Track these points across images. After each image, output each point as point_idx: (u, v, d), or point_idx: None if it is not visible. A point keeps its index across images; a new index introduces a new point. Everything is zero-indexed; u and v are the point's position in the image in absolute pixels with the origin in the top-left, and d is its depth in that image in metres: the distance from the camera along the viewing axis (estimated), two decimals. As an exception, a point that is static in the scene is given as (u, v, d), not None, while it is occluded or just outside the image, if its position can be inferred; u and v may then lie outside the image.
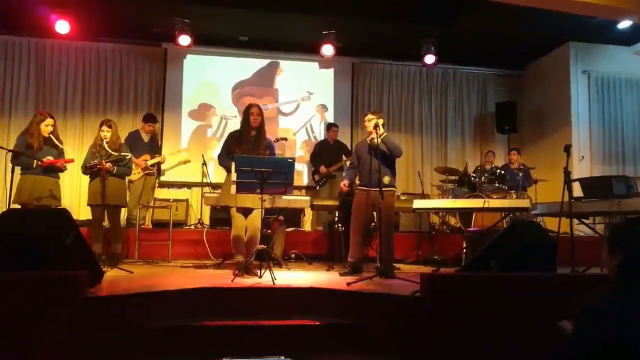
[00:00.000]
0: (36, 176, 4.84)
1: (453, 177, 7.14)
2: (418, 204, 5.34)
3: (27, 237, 2.91)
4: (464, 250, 5.63)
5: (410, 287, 3.22)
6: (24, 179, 4.81)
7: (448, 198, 6.74)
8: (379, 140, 4.50)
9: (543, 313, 2.85)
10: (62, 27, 6.59)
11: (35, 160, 4.78)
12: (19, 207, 4.73)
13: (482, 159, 7.75)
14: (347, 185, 4.75)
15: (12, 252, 2.86)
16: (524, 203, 5.25)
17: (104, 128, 5.08)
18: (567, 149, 4.48)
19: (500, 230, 4.24)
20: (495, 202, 5.27)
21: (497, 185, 6.40)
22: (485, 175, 6.52)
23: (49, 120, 4.94)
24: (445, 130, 8.63)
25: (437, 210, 5.81)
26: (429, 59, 7.48)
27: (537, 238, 3.37)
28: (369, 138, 4.68)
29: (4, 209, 6.03)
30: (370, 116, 4.67)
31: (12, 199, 4.67)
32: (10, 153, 4.82)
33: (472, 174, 6.67)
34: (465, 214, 5.90)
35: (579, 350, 1.44)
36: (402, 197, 7.21)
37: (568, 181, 4.30)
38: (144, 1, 6.63)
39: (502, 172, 6.58)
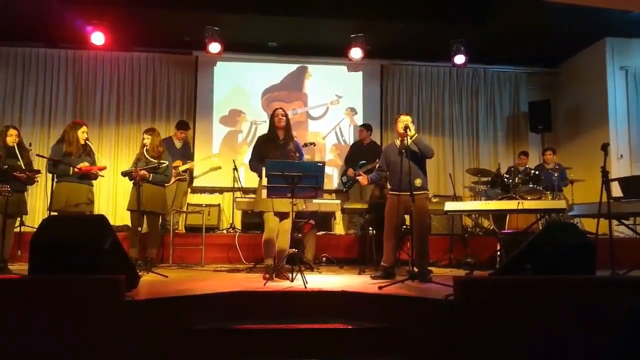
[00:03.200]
0: (72, 183, 5.00)
1: (485, 179, 7.01)
2: (450, 206, 5.27)
3: (67, 244, 3.01)
4: (498, 253, 5.52)
5: (444, 291, 3.18)
6: (60, 187, 4.97)
7: (480, 200, 6.63)
8: (410, 140, 4.47)
9: (582, 317, 2.78)
10: (98, 38, 6.81)
11: (72, 168, 4.94)
12: (56, 214, 4.90)
13: (515, 159, 7.59)
14: (366, 179, 4.72)
15: (53, 258, 2.97)
16: (560, 204, 5.12)
17: (145, 136, 5.27)
18: (605, 147, 4.35)
19: (535, 232, 4.15)
20: (530, 204, 5.16)
21: (531, 186, 6.24)
22: (519, 176, 6.38)
23: (84, 128, 5.12)
24: (477, 131, 8.50)
25: (469, 213, 5.72)
26: (459, 59, 7.38)
27: (575, 240, 3.29)
28: (398, 140, 4.65)
29: (44, 216, 6.28)
30: (403, 117, 4.63)
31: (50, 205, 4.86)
32: (48, 161, 4.99)
33: (505, 175, 6.54)
34: (498, 216, 5.79)
35: (628, 349, 1.40)
36: (434, 200, 7.13)
37: (606, 181, 4.17)
38: (175, 11, 6.76)
39: (537, 172, 6.42)
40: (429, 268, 4.60)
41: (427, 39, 7.54)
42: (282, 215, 4.48)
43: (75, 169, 4.94)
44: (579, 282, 2.95)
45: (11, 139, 4.84)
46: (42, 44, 7.73)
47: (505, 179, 6.42)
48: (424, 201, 4.55)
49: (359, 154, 7.28)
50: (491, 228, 6.10)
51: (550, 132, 8.21)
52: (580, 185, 6.88)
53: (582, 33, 7.39)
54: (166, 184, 5.60)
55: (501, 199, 5.86)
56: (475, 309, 2.83)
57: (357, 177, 4.78)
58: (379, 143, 7.93)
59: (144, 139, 5.29)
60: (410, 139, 4.48)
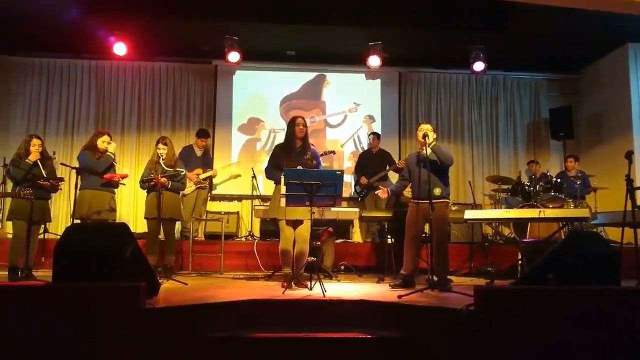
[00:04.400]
0: (94, 191, 5.11)
1: (506, 186, 6.92)
2: (470, 214, 5.22)
3: (89, 251, 3.06)
4: (519, 262, 5.44)
5: (464, 300, 3.14)
6: (83, 194, 5.07)
7: (501, 208, 6.55)
8: (429, 149, 4.45)
9: (606, 329, 2.72)
10: (120, 49, 6.95)
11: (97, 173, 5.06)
12: (79, 221, 4.99)
13: (534, 166, 7.49)
14: (385, 193, 4.71)
15: (76, 265, 3.02)
16: (583, 212, 5.02)
17: (160, 145, 5.33)
18: (629, 155, 4.27)
19: (558, 241, 4.08)
20: (551, 212, 5.07)
21: (553, 194, 6.15)
22: (540, 183, 6.29)
23: (105, 137, 5.23)
24: (497, 138, 8.42)
25: (489, 221, 5.65)
26: (478, 66, 7.33)
27: (599, 249, 3.22)
28: (419, 149, 4.63)
29: (67, 223, 6.39)
30: (422, 126, 4.61)
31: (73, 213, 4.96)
32: (75, 169, 5.10)
33: (526, 183, 6.45)
34: (519, 224, 5.71)
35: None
36: (453, 208, 7.05)
37: (631, 189, 4.09)
38: (195, 21, 6.87)
39: (559, 180, 6.32)
40: (448, 277, 4.55)
41: (445, 46, 7.51)
42: (294, 223, 4.49)
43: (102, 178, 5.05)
44: (603, 293, 2.89)
45: (34, 148, 4.94)
46: (66, 54, 7.92)
47: (526, 187, 6.33)
48: (443, 209, 4.52)
49: (369, 162, 7.28)
50: (512, 236, 6.01)
51: (571, 139, 8.08)
52: (604, 193, 6.74)
53: (603, 39, 7.28)
54: (182, 192, 5.67)
55: (522, 207, 5.78)
56: (496, 319, 2.79)
57: (376, 192, 4.78)
58: (397, 150, 7.91)
59: (158, 148, 5.35)
60: (429, 146, 4.46)
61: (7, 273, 4.83)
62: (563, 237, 5.12)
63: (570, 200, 6.18)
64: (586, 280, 2.96)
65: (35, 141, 4.97)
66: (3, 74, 7.88)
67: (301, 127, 4.60)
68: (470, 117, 8.43)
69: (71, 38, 7.24)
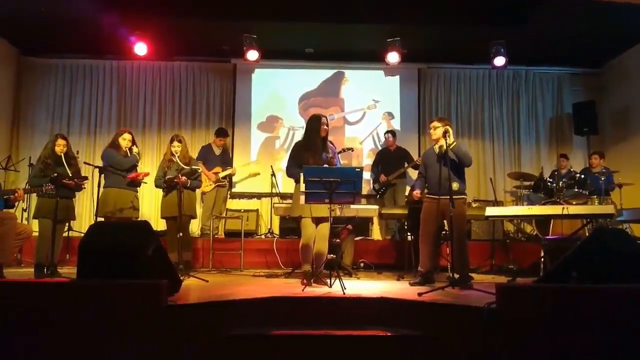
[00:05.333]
0: (118, 189, 5.20)
1: (528, 183, 6.84)
2: (491, 211, 5.16)
3: (113, 249, 3.11)
4: (542, 260, 5.36)
5: (485, 298, 3.10)
6: (108, 192, 5.16)
7: (523, 205, 6.46)
8: (449, 148, 4.40)
9: (633, 328, 2.66)
10: (141, 49, 7.04)
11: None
12: (102, 219, 5.08)
13: (558, 162, 7.37)
14: (418, 194, 4.70)
15: (100, 263, 3.07)
16: (608, 209, 4.91)
17: (175, 143, 5.39)
18: (656, 150, 4.16)
19: (582, 238, 4.01)
20: (575, 209, 4.98)
21: (576, 190, 6.05)
22: (563, 179, 6.18)
23: (126, 135, 5.31)
24: (518, 134, 8.29)
25: (511, 218, 5.58)
26: (499, 61, 7.22)
27: (624, 246, 3.14)
28: (437, 146, 4.59)
29: (91, 221, 6.50)
30: (436, 123, 4.58)
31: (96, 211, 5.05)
32: (98, 168, 5.20)
33: (548, 179, 6.35)
34: (542, 221, 5.63)
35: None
36: (474, 205, 7.00)
37: (658, 185, 3.99)
38: (214, 20, 6.91)
39: (582, 176, 6.21)
40: (469, 274, 4.50)
41: (465, 41, 7.43)
42: (318, 221, 4.49)
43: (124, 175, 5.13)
44: (629, 292, 2.83)
45: (59, 148, 5.03)
46: (89, 55, 8.05)
47: (549, 183, 6.25)
48: (462, 206, 4.48)
49: (388, 160, 7.25)
50: (534, 234, 5.93)
51: (595, 134, 7.91)
52: (629, 190, 6.59)
53: (628, 31, 7.10)
54: (203, 190, 5.73)
55: (544, 203, 5.71)
56: (518, 317, 2.76)
57: (412, 194, 4.75)
58: (416, 147, 7.86)
59: (173, 146, 5.40)
60: (450, 147, 4.41)
61: (33, 270, 4.95)
62: (587, 234, 5.04)
63: (595, 197, 6.07)
64: (611, 279, 2.90)
65: (60, 141, 5.06)
66: (28, 76, 8.05)
67: (325, 126, 4.60)
68: (491, 113, 8.32)
69: (94, 39, 7.36)
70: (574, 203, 5.59)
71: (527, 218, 5.73)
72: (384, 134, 7.59)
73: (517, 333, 2.74)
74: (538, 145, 8.28)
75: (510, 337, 2.75)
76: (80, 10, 6.41)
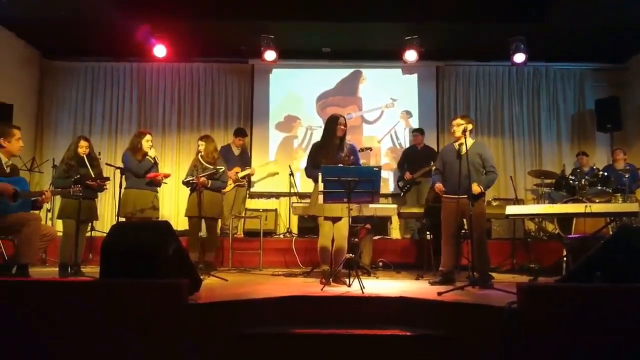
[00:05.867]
0: (138, 190, 5.26)
1: (549, 181, 6.73)
2: (511, 210, 5.09)
3: (134, 249, 3.16)
4: (564, 259, 5.28)
5: (506, 298, 3.07)
6: (128, 193, 5.24)
7: (544, 203, 6.37)
8: (464, 147, 4.36)
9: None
10: (160, 51, 7.12)
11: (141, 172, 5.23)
12: (124, 219, 5.15)
13: (578, 160, 7.25)
14: (442, 186, 4.63)
15: (122, 262, 3.13)
16: (632, 207, 4.81)
17: (200, 142, 5.48)
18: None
19: (605, 237, 3.93)
20: (598, 207, 4.89)
21: (600, 188, 5.93)
22: (586, 177, 6.07)
23: (148, 137, 5.38)
24: (539, 131, 8.17)
25: (532, 217, 5.50)
26: (519, 57, 7.13)
27: (650, 246, 3.08)
28: (457, 143, 4.55)
29: (112, 221, 6.61)
30: (459, 120, 4.54)
31: (118, 211, 5.13)
32: (119, 169, 5.29)
33: (570, 177, 6.24)
34: (564, 220, 5.53)
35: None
36: (494, 203, 6.92)
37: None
38: (231, 21, 6.95)
39: (606, 173, 6.09)
40: (490, 274, 4.46)
41: (484, 38, 7.34)
42: (336, 220, 4.49)
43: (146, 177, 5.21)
44: (655, 291, 2.77)
45: (82, 149, 5.12)
46: (110, 58, 8.18)
47: (571, 181, 6.13)
48: (481, 205, 4.44)
49: (414, 158, 7.20)
50: (556, 232, 5.84)
51: (619, 131, 7.75)
52: (655, 187, 6.45)
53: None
54: (223, 190, 5.77)
55: (566, 201, 5.61)
56: (540, 317, 2.72)
57: (436, 187, 4.69)
58: (435, 146, 7.80)
59: (199, 145, 5.49)
60: (469, 148, 4.37)
61: (57, 269, 5.05)
62: (611, 232, 4.95)
63: (619, 195, 5.94)
64: (636, 278, 2.84)
65: (83, 142, 5.15)
66: (51, 79, 8.21)
67: (342, 126, 4.59)
68: (510, 111, 8.21)
69: (114, 42, 7.47)
70: (597, 201, 5.48)
71: (549, 217, 5.63)
72: (412, 132, 7.55)
73: (538, 333, 2.70)
74: (559, 143, 8.15)
75: (531, 337, 2.71)
76: (101, 13, 6.51)
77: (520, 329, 2.74)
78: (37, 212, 4.40)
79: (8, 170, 4.15)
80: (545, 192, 6.81)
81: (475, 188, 4.30)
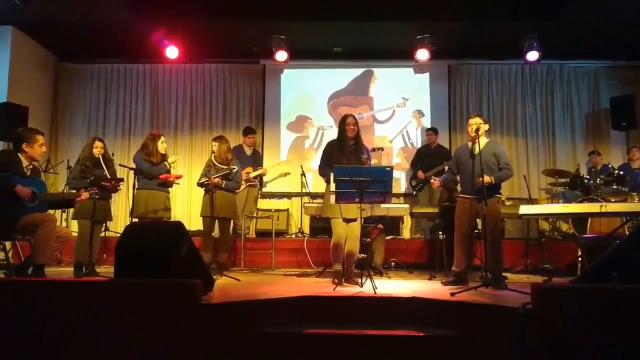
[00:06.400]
0: (150, 191, 5.29)
1: (563, 180, 6.66)
2: (525, 209, 5.05)
3: (148, 249, 3.19)
4: (579, 260, 5.22)
5: (520, 299, 3.05)
6: (140, 194, 5.27)
7: (558, 202, 6.30)
8: (478, 147, 4.32)
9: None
10: (172, 52, 7.17)
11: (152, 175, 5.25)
12: (137, 219, 5.19)
13: (590, 160, 7.16)
14: (437, 182, 4.74)
15: (135, 262, 3.16)
16: (648, 206, 4.76)
17: (213, 143, 5.52)
18: (700, 145, 3.99)
19: (621, 237, 3.88)
20: (614, 206, 4.82)
21: (615, 187, 5.85)
22: (601, 176, 5.99)
23: (163, 139, 5.43)
24: (553, 130, 8.08)
25: (546, 216, 5.44)
26: (532, 55, 7.06)
27: (667, 246, 3.03)
28: (471, 142, 4.52)
29: (126, 222, 6.66)
30: (476, 119, 4.48)
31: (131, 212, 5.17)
32: (133, 170, 5.32)
33: (585, 176, 6.17)
34: (579, 220, 5.47)
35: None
36: (507, 203, 6.86)
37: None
38: (242, 22, 6.98)
39: (621, 172, 6.00)
40: (503, 274, 4.42)
41: (496, 36, 7.28)
42: (348, 220, 4.49)
43: (156, 177, 5.24)
44: (673, 292, 2.72)
45: (97, 150, 5.18)
46: (122, 60, 8.26)
47: (586, 180, 6.06)
48: (495, 205, 4.40)
49: (427, 157, 7.17)
50: (571, 232, 5.77)
51: (635, 129, 7.63)
52: (672, 186, 6.34)
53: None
54: (236, 191, 5.79)
55: (581, 201, 5.54)
56: (554, 318, 2.69)
57: (430, 180, 4.73)
58: (447, 145, 7.76)
59: (212, 146, 5.53)
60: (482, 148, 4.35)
61: (72, 269, 5.11)
62: (627, 232, 4.88)
63: (635, 194, 5.85)
64: (653, 279, 2.80)
65: (97, 143, 5.21)
66: (66, 81, 8.31)
67: (352, 126, 4.60)
68: (524, 109, 8.14)
69: (127, 44, 7.55)
70: (613, 200, 5.41)
71: (564, 216, 5.57)
72: (426, 131, 7.51)
73: (553, 334, 2.67)
74: (574, 141, 8.05)
75: (546, 338, 2.68)
76: (114, 16, 6.58)
77: (534, 330, 2.71)
78: (52, 212, 4.46)
79: (28, 172, 4.21)
80: (559, 192, 6.73)
81: (486, 178, 4.26)
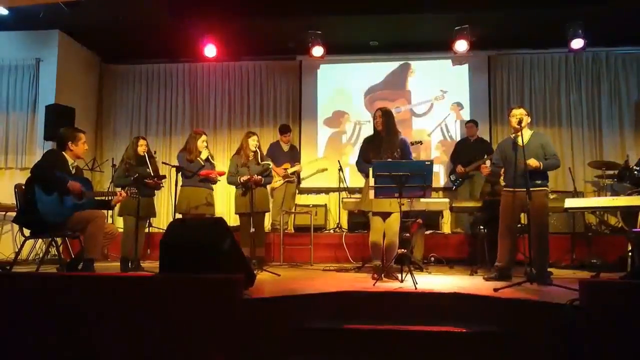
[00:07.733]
0: (193, 187, 5.41)
1: (611, 172, 6.41)
2: (571, 203, 4.90)
3: (191, 245, 3.27)
4: (629, 254, 5.02)
5: (567, 295, 2.96)
6: (183, 190, 5.40)
7: (606, 195, 6.08)
8: (523, 139, 4.21)
9: None
10: (210, 51, 7.28)
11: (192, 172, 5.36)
12: (180, 215, 5.32)
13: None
14: (487, 169, 4.70)
15: (179, 258, 3.24)
16: None
17: (255, 137, 5.64)
18: None
19: (675, 231, 3.71)
20: (666, 199, 4.62)
21: (667, 178, 5.60)
22: (652, 168, 5.74)
23: (204, 137, 5.52)
24: (599, 120, 7.76)
25: (594, 210, 5.26)
26: (577, 43, 6.80)
27: None
28: (514, 135, 4.40)
29: (169, 218, 6.84)
30: (521, 111, 4.35)
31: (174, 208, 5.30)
32: (175, 167, 5.46)
33: (635, 167, 5.92)
34: (628, 213, 5.27)
35: None
36: (552, 196, 6.65)
37: None
38: (278, 19, 7.02)
39: (674, 163, 5.74)
40: (548, 270, 4.30)
41: (538, 24, 7.04)
42: (384, 215, 4.47)
43: (197, 174, 5.35)
44: None
45: (141, 148, 5.34)
46: (162, 60, 8.46)
47: (635, 172, 5.82)
48: (542, 198, 4.27)
49: (467, 151, 7.03)
50: (619, 226, 5.56)
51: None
52: None
53: None
54: (270, 186, 5.85)
55: (630, 193, 5.34)
56: (604, 315, 2.60)
57: (481, 168, 4.67)
58: (487, 138, 7.59)
59: (252, 140, 5.58)
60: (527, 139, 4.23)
61: (119, 264, 5.29)
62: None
63: (689, 186, 5.59)
64: None
65: (142, 141, 5.37)
66: (110, 81, 8.59)
67: (378, 119, 4.58)
68: (568, 99, 7.86)
69: (167, 44, 7.72)
70: (665, 193, 5.18)
71: (612, 210, 5.37)
72: (466, 123, 7.37)
73: (602, 332, 2.59)
74: (622, 131, 7.71)
75: (595, 336, 2.60)
76: (155, 16, 6.74)
77: (583, 328, 2.63)
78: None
79: (73, 171, 4.38)
80: (607, 184, 6.49)
81: (533, 161, 4.14)
